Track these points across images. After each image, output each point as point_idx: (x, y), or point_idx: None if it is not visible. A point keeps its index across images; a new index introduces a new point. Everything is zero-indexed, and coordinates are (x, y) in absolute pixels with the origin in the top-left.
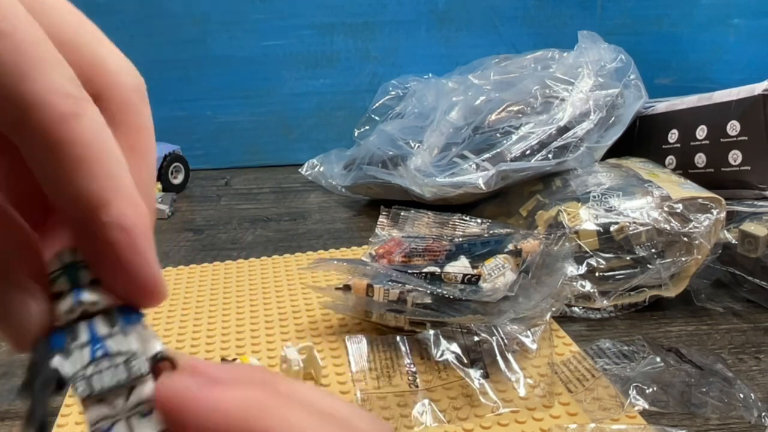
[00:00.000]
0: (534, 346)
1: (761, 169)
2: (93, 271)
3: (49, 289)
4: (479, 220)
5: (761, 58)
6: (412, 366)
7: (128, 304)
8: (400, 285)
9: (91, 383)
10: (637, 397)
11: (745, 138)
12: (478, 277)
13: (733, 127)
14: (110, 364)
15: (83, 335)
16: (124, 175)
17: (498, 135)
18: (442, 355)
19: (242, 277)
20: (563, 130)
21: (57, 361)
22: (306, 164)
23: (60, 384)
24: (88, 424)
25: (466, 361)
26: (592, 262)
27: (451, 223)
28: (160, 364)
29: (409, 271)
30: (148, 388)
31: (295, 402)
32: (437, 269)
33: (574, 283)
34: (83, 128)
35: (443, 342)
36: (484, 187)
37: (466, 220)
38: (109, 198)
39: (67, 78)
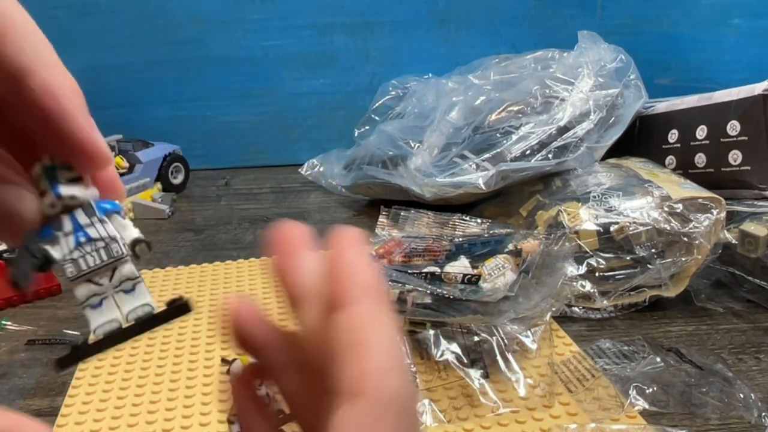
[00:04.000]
0: (534, 346)
1: (761, 169)
2: (68, 165)
3: (36, 191)
4: (479, 220)
5: (761, 58)
6: (412, 366)
7: (107, 198)
8: (400, 285)
9: (78, 264)
10: (637, 397)
11: (745, 138)
12: (478, 277)
13: (733, 127)
14: (93, 248)
15: (67, 226)
16: (49, 50)
17: (498, 135)
18: (442, 355)
19: (242, 277)
20: (563, 130)
21: (46, 247)
22: (306, 164)
23: (46, 264)
24: (78, 300)
25: (466, 361)
26: (592, 262)
27: (451, 223)
28: (137, 247)
29: (409, 271)
30: (127, 268)
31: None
32: (437, 269)
33: (574, 283)
34: (3, 4)
35: (443, 342)
36: (484, 187)
37: (466, 220)
38: (34, 67)
39: None
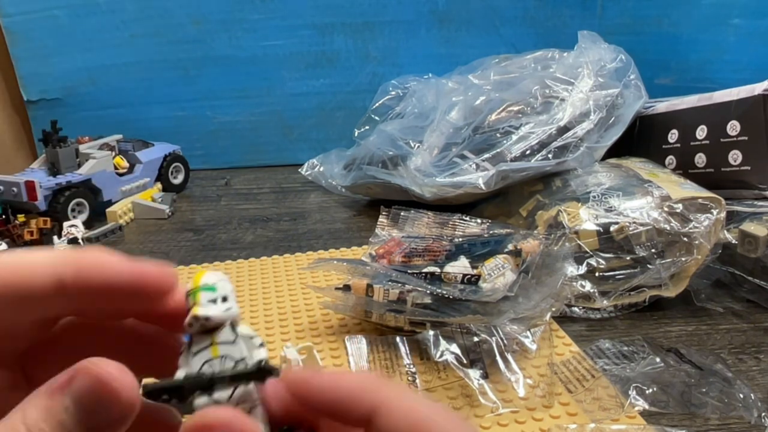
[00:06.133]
0: (534, 347)
1: (761, 169)
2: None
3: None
4: (479, 220)
5: (761, 58)
6: (411, 366)
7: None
8: (400, 285)
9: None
10: (637, 397)
11: (745, 138)
12: (478, 277)
13: (733, 127)
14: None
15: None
16: None
17: (498, 135)
18: (441, 355)
19: (242, 277)
20: (563, 130)
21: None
22: (306, 164)
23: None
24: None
25: (465, 361)
26: (592, 262)
27: (451, 223)
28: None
29: (409, 271)
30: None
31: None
32: (437, 269)
33: (574, 283)
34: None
35: (443, 342)
36: (484, 187)
37: (466, 220)
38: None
39: None
